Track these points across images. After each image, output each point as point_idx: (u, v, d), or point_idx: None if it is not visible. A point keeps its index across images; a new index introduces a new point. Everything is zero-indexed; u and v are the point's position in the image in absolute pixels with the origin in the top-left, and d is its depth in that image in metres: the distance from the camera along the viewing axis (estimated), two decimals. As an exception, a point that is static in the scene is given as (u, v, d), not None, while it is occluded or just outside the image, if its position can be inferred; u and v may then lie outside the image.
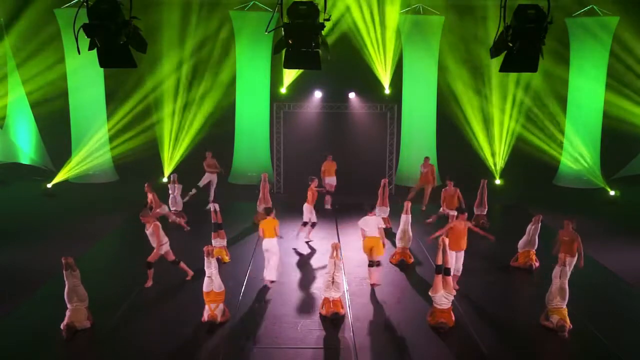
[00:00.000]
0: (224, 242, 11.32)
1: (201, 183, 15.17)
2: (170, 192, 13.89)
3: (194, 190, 14.80)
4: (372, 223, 10.03)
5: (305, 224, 12.62)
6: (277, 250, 10.08)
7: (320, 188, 13.43)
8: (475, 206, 13.68)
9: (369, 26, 17.93)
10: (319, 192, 13.10)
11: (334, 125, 17.19)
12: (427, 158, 15.72)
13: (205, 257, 8.49)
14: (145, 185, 13.13)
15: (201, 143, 18.70)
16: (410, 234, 11.27)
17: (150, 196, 12.95)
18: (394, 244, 11.77)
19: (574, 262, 9.58)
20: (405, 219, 11.29)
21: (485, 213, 13.62)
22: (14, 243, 12.27)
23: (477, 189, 13.70)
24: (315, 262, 11.27)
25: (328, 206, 15.09)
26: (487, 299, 9.55)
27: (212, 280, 8.43)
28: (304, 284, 10.08)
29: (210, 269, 8.43)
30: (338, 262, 8.80)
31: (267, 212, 10.37)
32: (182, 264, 10.15)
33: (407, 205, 11.54)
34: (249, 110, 18.39)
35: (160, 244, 9.81)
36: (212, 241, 11.06)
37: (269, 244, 9.99)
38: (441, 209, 13.56)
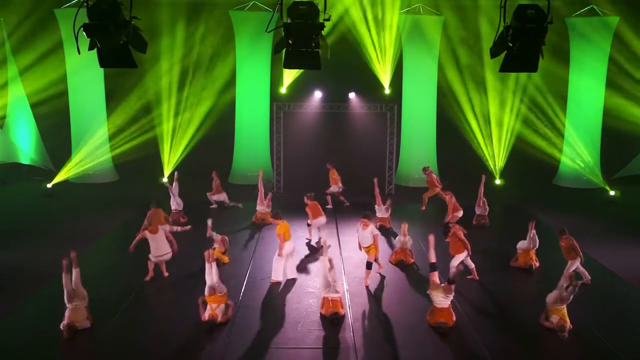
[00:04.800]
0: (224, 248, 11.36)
1: (215, 198, 15.13)
2: (171, 190, 13.91)
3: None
4: (367, 235, 10.13)
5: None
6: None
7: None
8: (476, 205, 13.67)
9: (369, 26, 17.93)
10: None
11: (334, 125, 17.18)
12: (426, 167, 15.56)
13: (205, 262, 8.49)
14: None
15: (201, 142, 18.75)
16: (409, 244, 11.27)
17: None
18: (393, 244, 11.78)
19: (577, 263, 9.70)
20: (404, 240, 11.26)
21: (486, 213, 13.62)
22: (14, 243, 12.27)
23: (478, 188, 13.65)
24: (315, 261, 11.26)
25: (329, 205, 15.08)
26: (487, 299, 9.55)
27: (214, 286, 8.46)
28: (304, 284, 10.08)
29: (211, 275, 8.40)
30: (326, 259, 8.82)
31: (277, 215, 10.43)
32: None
33: (404, 227, 11.31)
34: (248, 110, 18.39)
35: (164, 252, 9.97)
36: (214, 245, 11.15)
37: (292, 246, 10.34)
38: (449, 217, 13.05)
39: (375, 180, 13.70)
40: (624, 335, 8.22)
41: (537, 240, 10.85)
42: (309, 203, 12.29)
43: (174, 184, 14.07)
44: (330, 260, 8.87)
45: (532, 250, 10.87)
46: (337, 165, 15.32)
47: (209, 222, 11.41)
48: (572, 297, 8.13)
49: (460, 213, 12.91)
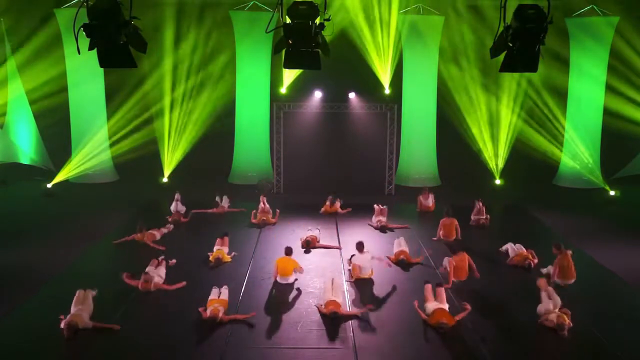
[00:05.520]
0: (226, 249, 11.36)
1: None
2: (172, 207, 13.99)
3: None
4: (366, 260, 10.14)
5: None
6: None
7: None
8: (474, 214, 13.72)
9: (369, 26, 17.92)
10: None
11: (334, 125, 17.18)
12: (426, 189, 15.37)
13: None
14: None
15: (201, 142, 18.75)
16: (408, 251, 11.31)
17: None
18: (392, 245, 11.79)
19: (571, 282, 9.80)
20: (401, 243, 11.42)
21: (483, 216, 13.63)
22: (14, 243, 12.27)
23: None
24: (315, 262, 11.26)
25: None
26: (487, 299, 9.54)
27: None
28: (304, 283, 10.07)
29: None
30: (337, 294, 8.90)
31: (288, 252, 10.20)
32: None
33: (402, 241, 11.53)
34: (249, 110, 18.39)
35: (157, 282, 9.80)
36: (215, 246, 11.17)
37: (284, 281, 9.96)
38: (436, 237, 12.64)
39: (383, 211, 13.70)
40: (624, 335, 8.22)
41: (521, 248, 11.10)
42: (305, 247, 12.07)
43: (175, 203, 14.06)
44: (333, 280, 9.03)
45: (522, 252, 11.00)
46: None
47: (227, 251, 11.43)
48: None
49: (452, 240, 12.39)
